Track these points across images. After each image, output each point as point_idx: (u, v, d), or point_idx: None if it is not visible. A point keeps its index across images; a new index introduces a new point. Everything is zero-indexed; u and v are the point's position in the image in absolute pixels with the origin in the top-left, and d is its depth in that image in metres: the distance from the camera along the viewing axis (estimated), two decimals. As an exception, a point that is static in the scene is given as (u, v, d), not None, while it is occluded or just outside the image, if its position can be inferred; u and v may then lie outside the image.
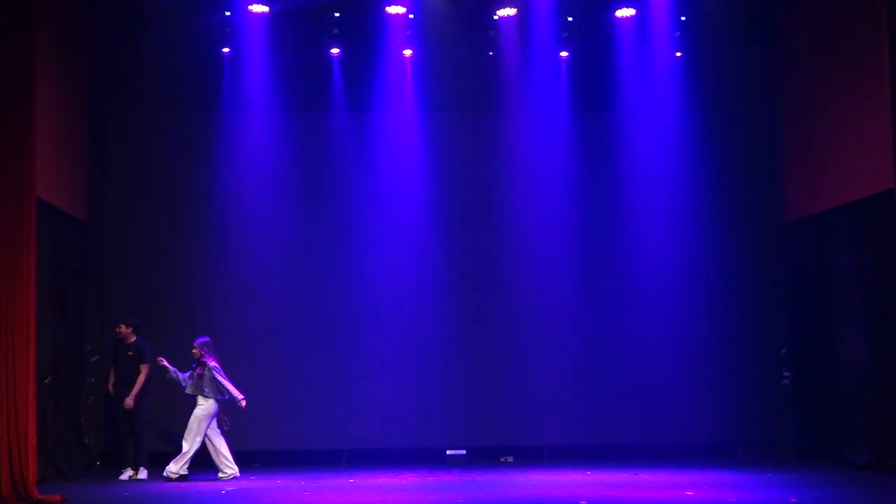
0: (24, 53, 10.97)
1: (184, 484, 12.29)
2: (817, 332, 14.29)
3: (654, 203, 15.07)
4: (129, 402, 12.81)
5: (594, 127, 15.14)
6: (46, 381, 12.58)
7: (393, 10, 14.13)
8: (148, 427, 13.21)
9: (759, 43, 15.11)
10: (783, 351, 14.99)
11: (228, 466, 12.70)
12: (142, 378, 12.90)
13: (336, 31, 14.50)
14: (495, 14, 14.46)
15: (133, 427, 12.95)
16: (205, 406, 12.59)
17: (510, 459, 14.50)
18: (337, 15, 14.33)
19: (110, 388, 13.20)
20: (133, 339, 13.10)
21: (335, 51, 14.70)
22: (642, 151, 15.10)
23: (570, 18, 14.55)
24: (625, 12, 14.40)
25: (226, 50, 14.48)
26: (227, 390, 12.60)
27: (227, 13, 14.08)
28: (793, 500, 10.31)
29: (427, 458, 14.32)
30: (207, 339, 12.82)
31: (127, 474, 12.82)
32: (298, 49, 14.56)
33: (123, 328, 13.11)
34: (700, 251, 15.02)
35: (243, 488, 11.90)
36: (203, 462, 12.80)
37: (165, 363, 12.76)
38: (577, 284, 14.95)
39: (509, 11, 14.40)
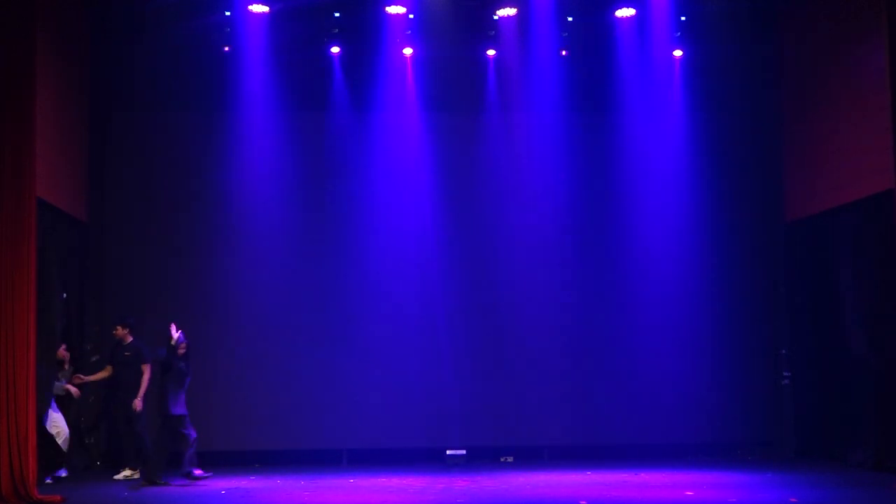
0: (24, 53, 10.98)
1: (178, 483, 12.30)
2: (817, 332, 14.29)
3: (654, 203, 15.07)
4: (138, 403, 12.79)
5: (594, 127, 15.14)
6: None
7: (393, 10, 14.13)
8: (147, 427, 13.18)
9: (759, 43, 15.11)
10: (783, 351, 14.99)
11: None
12: (146, 378, 12.90)
13: (336, 30, 14.52)
14: (495, 14, 14.46)
15: (132, 427, 12.94)
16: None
17: (510, 459, 14.50)
18: (337, 15, 14.34)
19: (83, 378, 13.06)
20: (130, 339, 13.10)
21: (335, 50, 14.70)
22: (642, 151, 15.11)
23: (570, 18, 14.56)
24: (625, 12, 14.40)
25: (226, 49, 14.49)
26: None
27: (227, 13, 14.08)
28: (793, 500, 10.31)
29: (427, 458, 14.32)
30: None
31: (123, 473, 12.81)
32: (298, 49, 14.57)
33: (120, 329, 13.11)
34: (700, 251, 15.01)
35: (243, 488, 11.89)
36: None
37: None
38: (577, 284, 14.95)
39: (509, 11, 14.40)
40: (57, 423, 12.47)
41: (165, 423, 12.25)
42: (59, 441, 12.45)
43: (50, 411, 12.46)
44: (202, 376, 14.23)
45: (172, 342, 12.29)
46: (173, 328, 12.35)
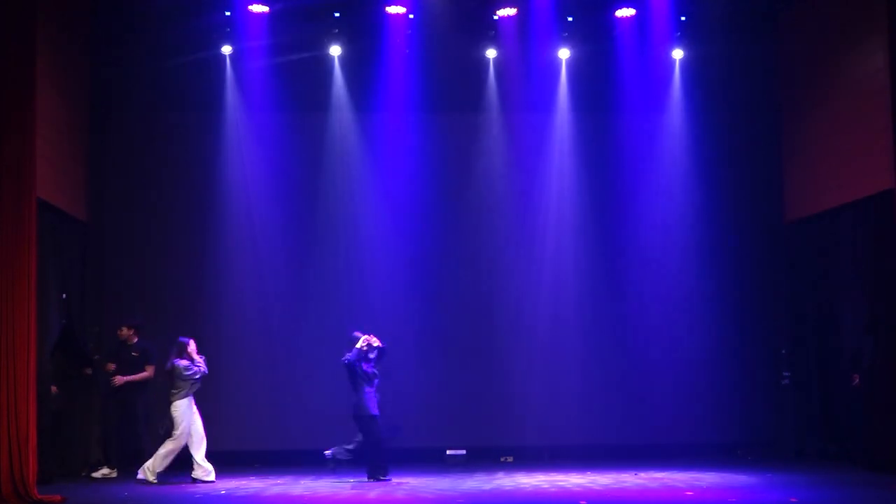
0: (24, 53, 10.96)
1: (183, 484, 12.28)
2: (817, 333, 14.29)
3: (654, 203, 15.10)
4: (119, 378, 12.80)
5: (594, 127, 15.15)
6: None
7: (393, 10, 14.15)
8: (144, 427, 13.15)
9: (759, 43, 15.10)
10: (783, 351, 14.99)
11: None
12: (144, 375, 12.91)
13: (336, 31, 14.53)
14: (495, 14, 14.48)
15: (134, 426, 12.92)
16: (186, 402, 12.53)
17: (510, 459, 14.50)
18: (337, 15, 14.36)
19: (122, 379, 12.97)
20: (136, 339, 13.09)
21: (335, 51, 14.70)
22: (642, 151, 15.13)
23: (570, 18, 14.58)
24: (625, 12, 14.41)
25: (226, 50, 14.50)
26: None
27: (227, 13, 14.10)
28: (793, 500, 10.31)
29: (427, 457, 14.32)
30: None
31: (101, 472, 12.86)
32: (298, 49, 14.58)
33: (125, 330, 13.10)
34: (700, 251, 15.03)
35: (243, 488, 11.89)
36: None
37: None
38: (577, 284, 14.97)
39: (509, 11, 14.42)
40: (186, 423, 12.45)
41: (363, 423, 12.28)
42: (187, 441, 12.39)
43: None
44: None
45: (362, 345, 12.27)
46: (374, 339, 12.35)
